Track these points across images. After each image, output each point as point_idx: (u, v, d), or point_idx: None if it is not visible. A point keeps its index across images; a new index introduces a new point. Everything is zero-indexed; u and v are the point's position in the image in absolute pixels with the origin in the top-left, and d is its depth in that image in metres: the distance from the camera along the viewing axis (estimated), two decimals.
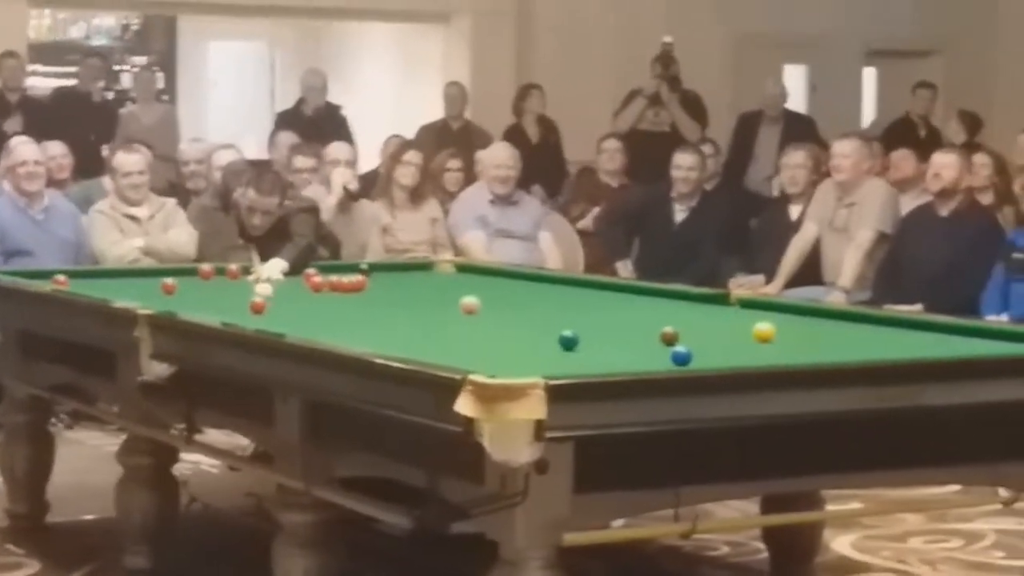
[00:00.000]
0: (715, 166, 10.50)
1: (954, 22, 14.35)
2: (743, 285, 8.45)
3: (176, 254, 8.14)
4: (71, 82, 12.59)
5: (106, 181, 9.11)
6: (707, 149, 10.36)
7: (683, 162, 9.37)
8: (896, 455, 4.19)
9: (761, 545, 5.62)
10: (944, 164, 8.48)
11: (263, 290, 5.64)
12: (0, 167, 8.81)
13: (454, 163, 9.78)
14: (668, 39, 11.49)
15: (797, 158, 9.35)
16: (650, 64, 11.46)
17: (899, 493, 5.22)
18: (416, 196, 9.19)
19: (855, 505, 5.19)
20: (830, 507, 5.19)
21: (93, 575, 5.48)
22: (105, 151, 9.50)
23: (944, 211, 8.46)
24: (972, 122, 11.66)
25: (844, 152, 8.94)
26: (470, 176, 9.80)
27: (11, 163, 8.38)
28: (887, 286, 8.39)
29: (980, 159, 9.24)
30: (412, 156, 9.26)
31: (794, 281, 8.73)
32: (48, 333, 5.80)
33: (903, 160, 9.70)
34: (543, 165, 10.65)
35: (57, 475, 6.27)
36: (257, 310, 5.19)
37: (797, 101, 13.08)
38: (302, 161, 9.58)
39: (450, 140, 10.89)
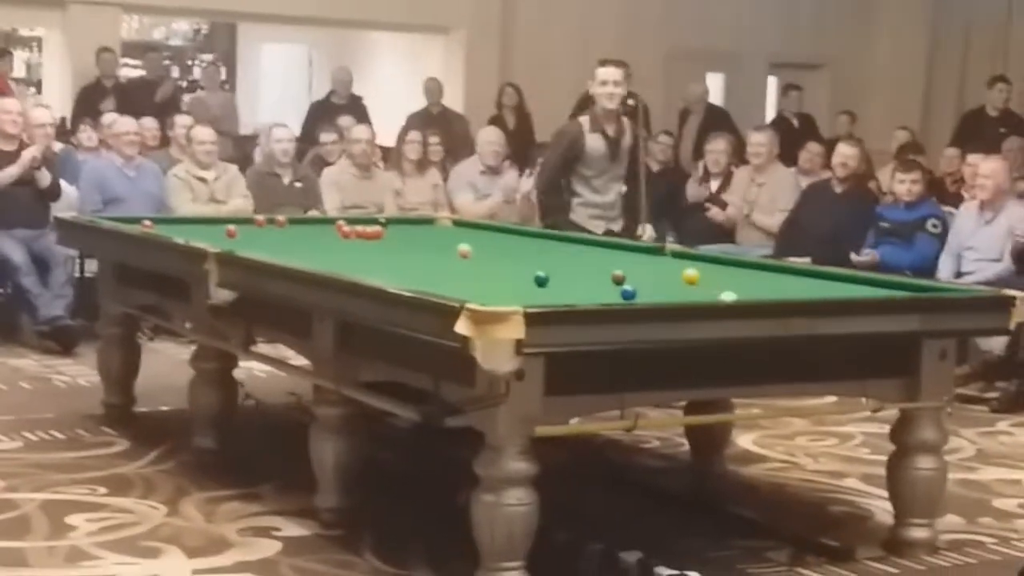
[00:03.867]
0: (671, 154, 10.35)
1: (838, 41, 14.37)
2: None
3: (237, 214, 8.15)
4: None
5: (172, 151, 9.23)
6: (667, 139, 10.33)
7: None
8: (788, 372, 4.20)
9: (684, 440, 5.65)
10: (849, 155, 8.53)
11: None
12: (100, 135, 9.01)
13: (433, 139, 9.71)
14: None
15: (719, 144, 9.34)
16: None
17: (789, 402, 5.24)
18: (420, 166, 9.19)
19: (756, 411, 5.22)
20: (737, 411, 5.21)
21: (170, 452, 5.48)
22: (176, 128, 9.45)
23: (839, 188, 8.50)
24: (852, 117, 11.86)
25: (760, 141, 9.08)
26: (449, 150, 9.91)
27: (116, 132, 8.57)
28: (786, 243, 8.42)
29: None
30: (414, 135, 9.30)
31: (711, 240, 8.72)
32: (137, 265, 5.79)
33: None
34: (517, 146, 10.61)
35: (142, 376, 6.28)
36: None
37: (716, 103, 13.03)
38: (325, 136, 9.67)
39: (432, 122, 10.86)
